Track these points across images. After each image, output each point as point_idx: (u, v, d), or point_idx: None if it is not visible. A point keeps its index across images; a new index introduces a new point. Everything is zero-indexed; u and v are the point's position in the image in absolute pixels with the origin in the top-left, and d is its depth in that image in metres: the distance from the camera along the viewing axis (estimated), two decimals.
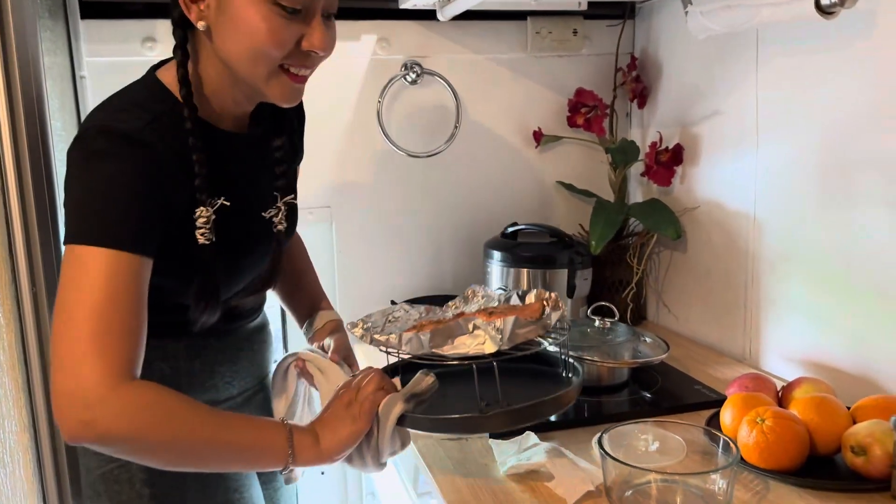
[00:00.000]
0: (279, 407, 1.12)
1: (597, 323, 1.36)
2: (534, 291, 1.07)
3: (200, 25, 0.88)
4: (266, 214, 1.02)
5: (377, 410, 0.93)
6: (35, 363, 1.09)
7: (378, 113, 1.67)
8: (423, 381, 0.97)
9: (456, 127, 1.71)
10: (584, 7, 1.66)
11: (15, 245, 1.07)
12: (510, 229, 1.66)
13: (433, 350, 0.96)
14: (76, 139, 0.85)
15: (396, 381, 1.00)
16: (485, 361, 0.95)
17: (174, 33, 0.91)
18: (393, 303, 1.61)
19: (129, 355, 0.81)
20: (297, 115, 1.13)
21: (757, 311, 1.44)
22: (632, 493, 0.91)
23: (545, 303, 1.02)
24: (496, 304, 1.11)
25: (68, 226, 0.84)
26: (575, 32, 1.74)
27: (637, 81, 1.74)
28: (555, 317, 1.00)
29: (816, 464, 0.99)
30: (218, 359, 1.04)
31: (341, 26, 1.65)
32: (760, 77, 1.39)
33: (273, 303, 1.23)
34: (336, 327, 1.21)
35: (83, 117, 1.42)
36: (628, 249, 1.69)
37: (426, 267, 1.76)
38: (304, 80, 0.93)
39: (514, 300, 1.09)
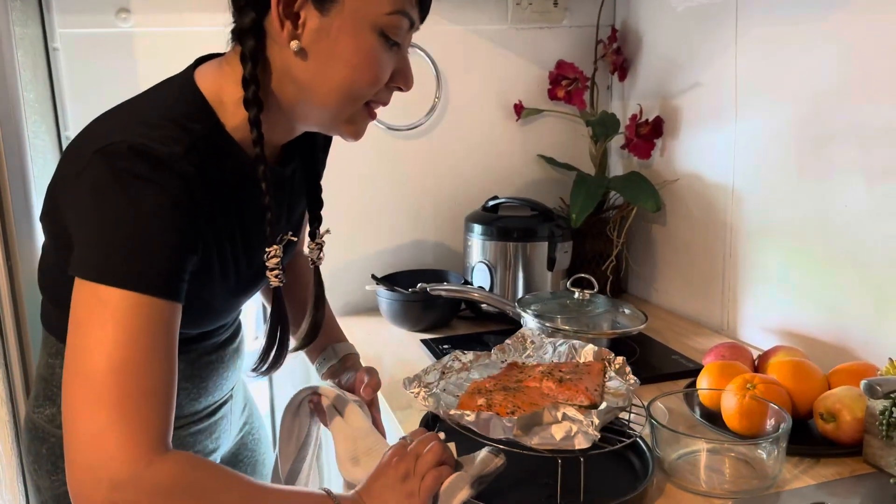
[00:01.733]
0: (288, 450, 1.00)
1: (576, 295, 1.37)
2: (589, 347, 1.02)
3: (293, 46, 0.76)
4: (269, 250, 0.86)
5: (438, 490, 0.80)
6: (11, 335, 1.08)
7: None
8: (492, 462, 0.84)
9: (436, 99, 1.70)
10: None
11: None
12: (491, 203, 1.66)
13: (516, 439, 0.84)
14: (100, 153, 0.71)
15: (452, 446, 0.85)
16: (571, 454, 0.84)
17: (241, 39, 0.78)
18: (374, 277, 1.61)
19: (161, 422, 0.70)
20: (325, 141, 1.03)
21: (735, 282, 1.46)
22: (682, 459, 0.92)
23: (606, 363, 0.99)
24: (555, 358, 1.05)
25: (86, 258, 0.71)
26: (556, 4, 1.73)
27: (618, 54, 1.73)
28: (619, 383, 0.95)
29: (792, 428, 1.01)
30: (185, 373, 0.91)
31: None
32: (739, 49, 1.39)
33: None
34: (356, 362, 1.10)
35: (57, 90, 1.40)
36: (608, 223, 1.70)
37: (407, 241, 1.75)
38: (376, 116, 0.85)
39: (571, 354, 1.04)
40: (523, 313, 1.33)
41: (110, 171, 0.70)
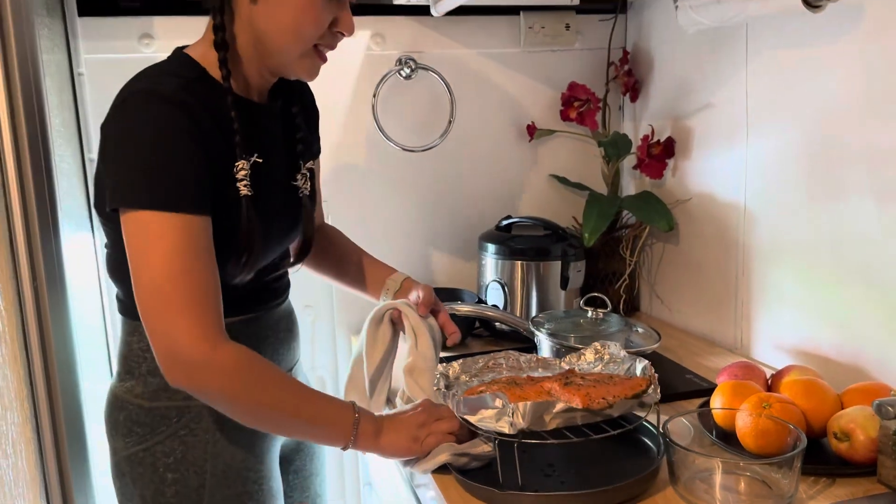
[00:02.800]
0: (373, 355, 1.16)
1: (589, 314, 1.38)
2: (642, 364, 1.06)
3: None
4: (294, 182, 1.09)
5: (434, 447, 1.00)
6: (36, 356, 1.11)
7: (373, 108, 1.69)
8: (480, 446, 0.99)
9: (450, 121, 1.73)
10: (576, 2, 1.68)
11: (16, 240, 1.09)
12: (504, 222, 1.68)
13: (462, 416, 0.97)
14: (117, 107, 0.91)
15: (479, 443, 1.00)
16: (577, 440, 0.94)
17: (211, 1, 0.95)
18: None
19: (217, 313, 0.89)
20: (313, 109, 1.22)
21: (748, 301, 1.47)
22: (697, 478, 0.93)
23: (651, 378, 1.01)
24: (611, 370, 1.10)
25: (123, 192, 0.88)
26: (567, 27, 1.75)
27: (629, 75, 1.76)
28: (653, 399, 0.99)
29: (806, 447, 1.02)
30: (246, 344, 1.02)
31: None
32: (750, 70, 1.40)
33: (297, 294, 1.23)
34: (414, 283, 1.24)
35: (81, 114, 1.44)
36: (621, 241, 1.72)
37: (422, 260, 1.78)
38: (326, 59, 1.03)
39: (627, 368, 1.08)
40: (537, 332, 1.35)
41: (127, 118, 0.89)
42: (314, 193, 1.16)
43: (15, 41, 1.09)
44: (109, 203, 0.90)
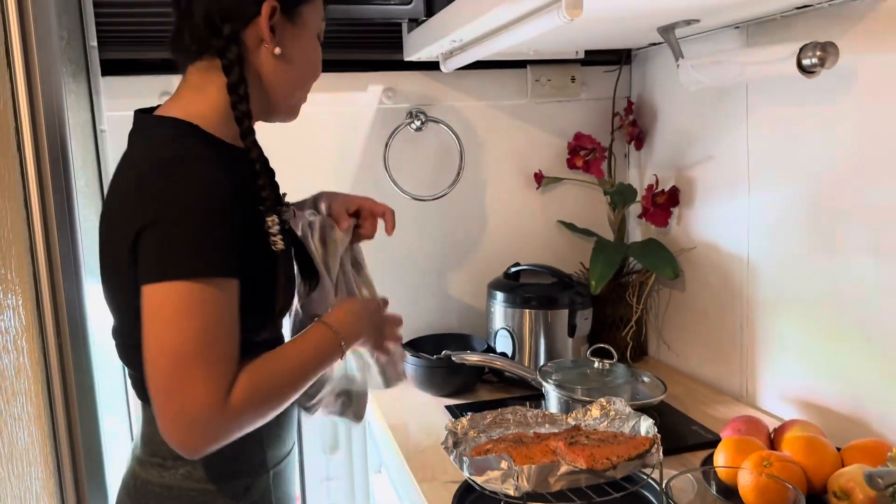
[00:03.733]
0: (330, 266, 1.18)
1: (596, 364, 1.41)
2: (647, 422, 1.07)
3: (277, 51, 0.95)
4: (268, 219, 0.99)
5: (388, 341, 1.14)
6: (60, 412, 1.15)
7: (385, 159, 1.73)
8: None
9: (460, 171, 1.77)
10: (581, 55, 1.73)
11: (42, 298, 1.13)
12: (513, 269, 1.72)
13: (469, 477, 1.00)
14: (141, 177, 0.87)
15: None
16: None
17: (228, 52, 0.92)
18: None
19: (232, 378, 0.86)
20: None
21: (753, 350, 1.49)
22: None
23: (655, 438, 1.03)
24: (615, 427, 1.12)
25: (151, 264, 0.84)
26: (573, 79, 1.80)
27: (634, 125, 1.80)
28: (656, 458, 1.01)
29: None
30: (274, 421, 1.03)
31: (349, 77, 1.73)
32: (750, 125, 1.44)
33: None
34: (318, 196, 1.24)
35: (104, 171, 1.49)
36: (628, 288, 1.75)
37: (431, 307, 1.81)
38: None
39: (626, 431, 1.10)
40: (545, 383, 1.37)
41: (155, 186, 0.86)
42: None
43: (44, 106, 1.14)
44: (147, 276, 0.84)
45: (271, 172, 1.12)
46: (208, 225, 0.84)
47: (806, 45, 1.12)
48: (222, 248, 0.85)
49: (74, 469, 1.16)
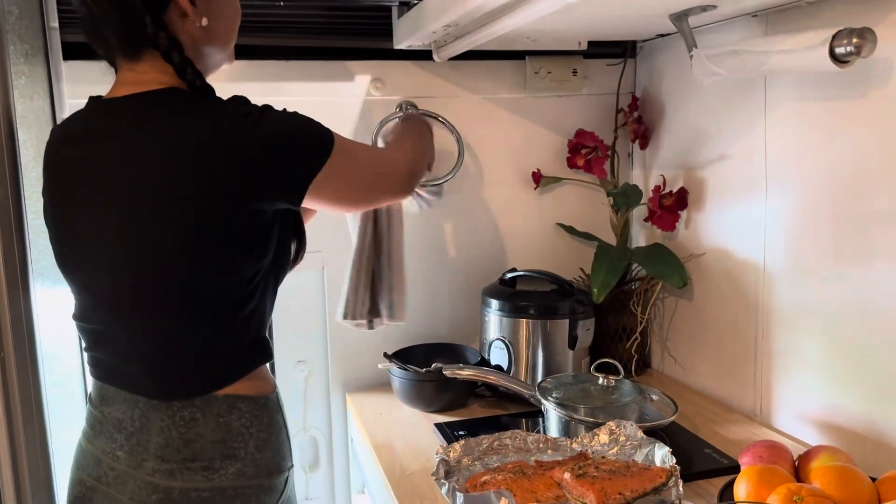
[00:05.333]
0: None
1: (601, 380, 1.29)
2: (662, 451, 0.98)
3: (204, 22, 0.97)
4: None
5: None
6: (2, 431, 1.02)
7: None
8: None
9: (454, 168, 1.65)
10: (583, 47, 1.61)
11: None
12: (509, 275, 1.60)
13: None
14: (251, 115, 0.93)
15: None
16: None
17: (159, 41, 0.94)
18: (386, 355, 1.54)
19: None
20: None
21: (768, 366, 1.38)
22: None
23: (672, 470, 0.93)
24: (614, 455, 1.02)
25: (324, 134, 0.97)
26: (574, 72, 1.69)
27: (639, 122, 1.69)
28: (675, 493, 0.90)
29: None
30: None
31: (335, 66, 1.60)
32: (769, 122, 1.33)
33: None
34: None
35: None
36: (632, 296, 1.63)
37: (422, 314, 1.68)
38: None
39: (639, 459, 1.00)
40: (544, 400, 1.26)
41: (256, 114, 0.94)
42: None
43: None
44: (313, 165, 0.95)
45: None
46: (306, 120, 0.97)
47: (841, 31, 1.01)
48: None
49: (18, 492, 1.03)
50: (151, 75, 0.96)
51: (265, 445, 0.95)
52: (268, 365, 1.05)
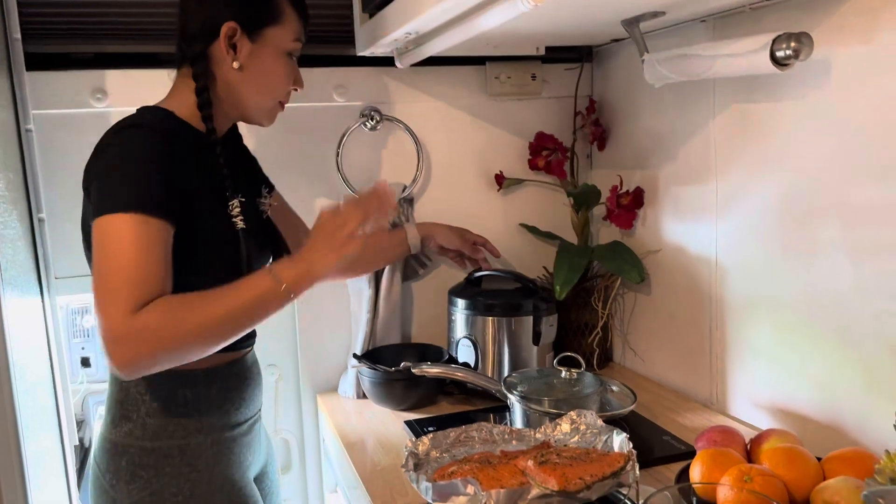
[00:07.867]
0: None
1: (563, 374, 1.34)
2: (620, 437, 1.00)
3: (236, 65, 1.10)
4: (261, 207, 1.24)
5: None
6: None
7: (338, 159, 1.64)
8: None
9: (417, 172, 1.69)
10: (541, 52, 1.66)
11: None
12: (474, 275, 1.64)
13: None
14: (103, 143, 1.04)
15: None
16: None
17: (197, 63, 1.09)
18: (355, 356, 1.57)
19: (149, 299, 0.93)
20: (245, 149, 1.34)
21: (722, 355, 1.44)
22: None
23: (629, 454, 0.95)
24: (587, 443, 1.05)
25: (97, 203, 0.97)
26: (533, 77, 1.74)
27: (596, 125, 1.74)
28: (632, 476, 0.93)
29: None
30: (229, 384, 1.16)
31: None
32: (717, 123, 1.39)
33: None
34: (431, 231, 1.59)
35: (30, 173, 1.37)
36: (593, 293, 1.68)
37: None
38: (284, 108, 1.22)
39: (604, 442, 1.03)
40: (509, 394, 1.30)
41: (109, 145, 1.02)
42: (288, 213, 1.39)
43: None
44: (94, 216, 0.97)
45: (249, 162, 1.32)
46: (143, 172, 0.98)
47: (780, 35, 1.07)
48: (153, 190, 0.97)
49: None
50: (179, 90, 1.13)
51: (156, 412, 1.07)
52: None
